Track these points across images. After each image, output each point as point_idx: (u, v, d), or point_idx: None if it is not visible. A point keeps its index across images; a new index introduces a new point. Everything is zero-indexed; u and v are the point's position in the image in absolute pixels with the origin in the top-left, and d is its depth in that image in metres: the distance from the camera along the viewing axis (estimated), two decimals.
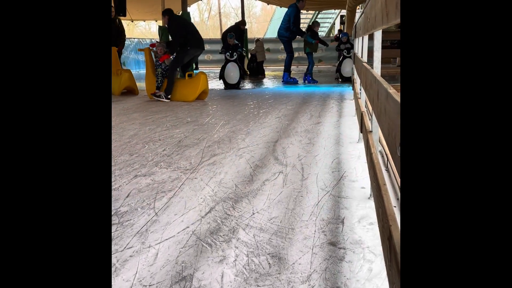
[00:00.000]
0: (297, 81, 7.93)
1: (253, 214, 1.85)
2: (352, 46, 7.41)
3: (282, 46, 7.96)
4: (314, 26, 8.09)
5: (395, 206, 1.82)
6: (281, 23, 7.61)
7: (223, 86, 7.28)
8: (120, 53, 6.95)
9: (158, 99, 5.69)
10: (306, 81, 7.93)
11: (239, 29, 9.18)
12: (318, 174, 2.39)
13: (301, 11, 8.01)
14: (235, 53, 7.07)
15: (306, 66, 8.09)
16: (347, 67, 7.79)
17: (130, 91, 6.57)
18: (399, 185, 2.01)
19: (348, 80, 7.56)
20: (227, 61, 7.14)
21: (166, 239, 1.61)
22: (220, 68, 7.39)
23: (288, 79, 7.86)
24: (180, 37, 5.64)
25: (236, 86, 7.22)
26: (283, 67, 8.04)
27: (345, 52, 7.84)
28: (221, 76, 7.22)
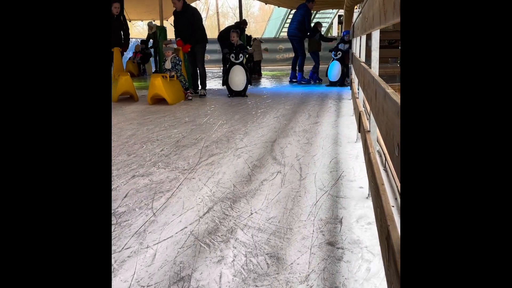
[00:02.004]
0: (311, 81, 7.81)
1: (251, 214, 1.85)
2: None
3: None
4: (317, 26, 8.08)
5: (393, 206, 1.83)
6: (292, 23, 7.52)
7: (227, 93, 6.08)
8: (121, 55, 6.32)
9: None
10: (316, 80, 7.88)
11: (240, 28, 9.06)
12: (316, 174, 2.39)
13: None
14: (241, 55, 5.82)
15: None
16: (335, 70, 7.08)
17: (130, 96, 5.85)
18: (397, 184, 2.01)
19: (334, 84, 7.08)
20: (231, 64, 5.87)
21: (164, 240, 1.61)
22: (220, 70, 6.75)
23: (302, 79, 7.78)
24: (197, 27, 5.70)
25: (242, 93, 5.96)
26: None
27: (333, 53, 7.05)
28: (225, 82, 6.03)
